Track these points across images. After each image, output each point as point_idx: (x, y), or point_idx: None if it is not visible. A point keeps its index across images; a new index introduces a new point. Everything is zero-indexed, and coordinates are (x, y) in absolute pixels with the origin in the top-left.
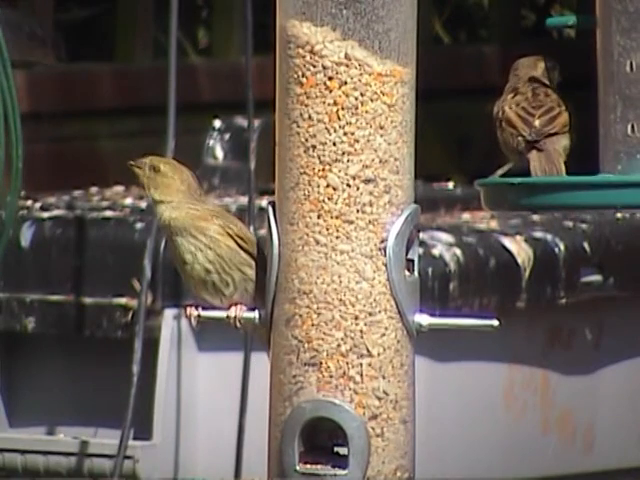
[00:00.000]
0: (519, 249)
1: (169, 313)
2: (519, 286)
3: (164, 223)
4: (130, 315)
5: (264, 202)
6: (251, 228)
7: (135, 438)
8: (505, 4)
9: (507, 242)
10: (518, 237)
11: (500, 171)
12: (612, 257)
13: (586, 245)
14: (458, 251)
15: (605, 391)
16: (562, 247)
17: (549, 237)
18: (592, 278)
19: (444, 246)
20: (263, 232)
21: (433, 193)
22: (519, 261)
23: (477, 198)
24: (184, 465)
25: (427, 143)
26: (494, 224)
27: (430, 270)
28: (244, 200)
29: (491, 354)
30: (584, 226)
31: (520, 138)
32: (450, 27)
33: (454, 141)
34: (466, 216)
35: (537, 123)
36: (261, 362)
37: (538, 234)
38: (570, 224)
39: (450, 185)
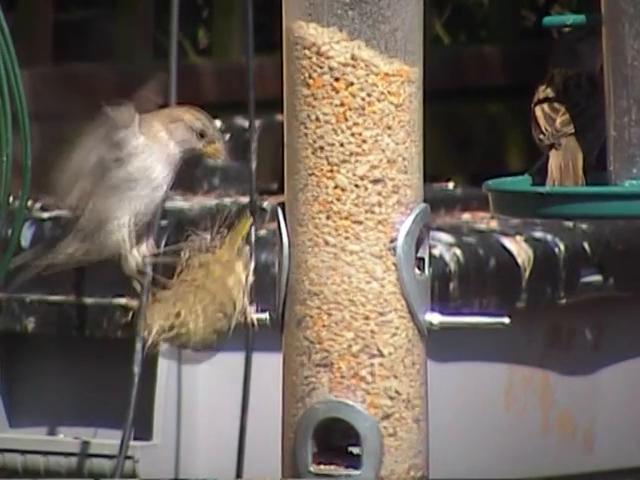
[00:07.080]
0: (519, 249)
1: None
2: (519, 286)
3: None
4: (130, 315)
5: (264, 202)
6: (252, 229)
7: (135, 438)
8: (505, 4)
9: (507, 242)
10: (518, 237)
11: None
12: (612, 257)
13: (586, 245)
14: (458, 251)
15: (605, 391)
16: (562, 247)
17: (549, 237)
18: (592, 278)
19: (444, 246)
20: (263, 232)
21: (433, 193)
22: (519, 261)
23: (477, 198)
24: (184, 465)
25: (427, 143)
26: (494, 224)
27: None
28: (244, 200)
29: (491, 354)
30: (584, 226)
31: (541, 136)
32: (450, 27)
33: (454, 141)
34: (466, 216)
35: (558, 122)
36: (262, 362)
37: (538, 234)
38: (570, 224)
39: (450, 185)
